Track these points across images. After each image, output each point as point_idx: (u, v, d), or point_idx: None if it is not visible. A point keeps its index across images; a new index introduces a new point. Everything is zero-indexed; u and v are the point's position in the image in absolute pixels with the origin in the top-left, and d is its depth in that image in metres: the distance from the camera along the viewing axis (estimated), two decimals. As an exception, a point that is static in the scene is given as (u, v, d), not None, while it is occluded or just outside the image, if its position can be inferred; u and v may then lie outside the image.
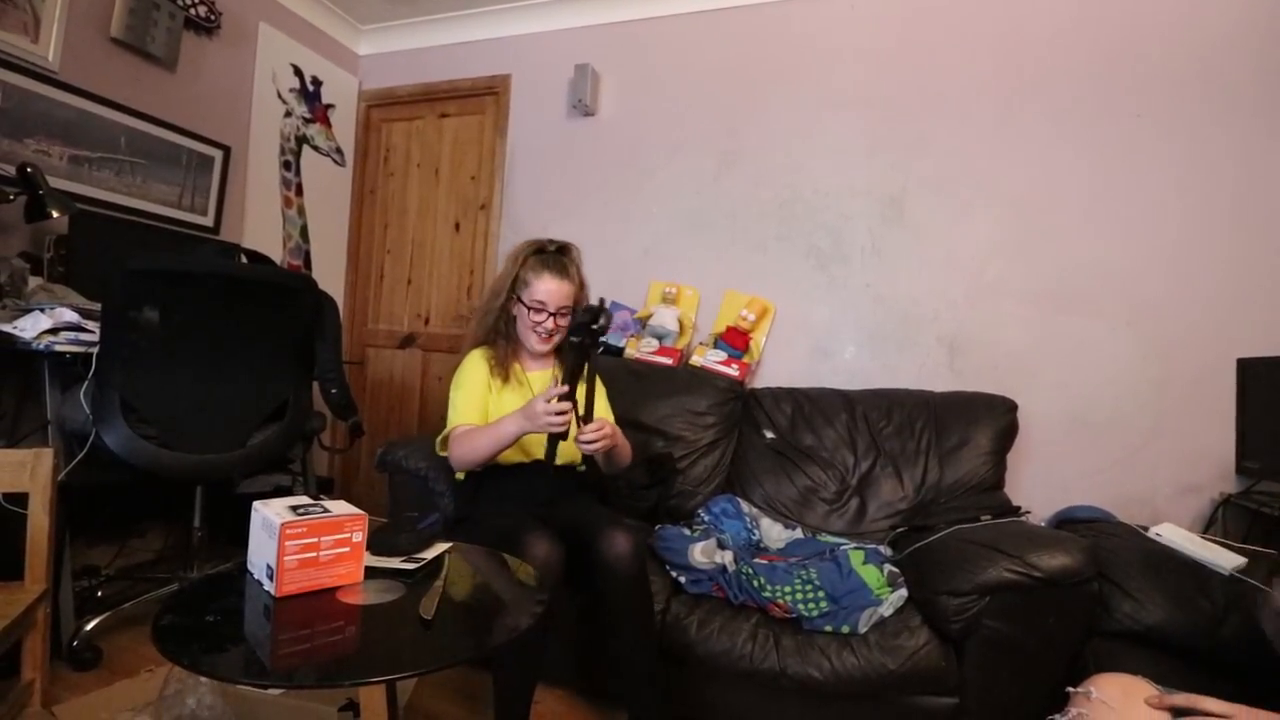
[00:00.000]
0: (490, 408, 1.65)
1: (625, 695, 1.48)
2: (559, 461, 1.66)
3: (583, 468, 1.75)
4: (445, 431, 1.61)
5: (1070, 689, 0.90)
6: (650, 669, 1.45)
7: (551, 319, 1.62)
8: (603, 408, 1.72)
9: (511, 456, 1.62)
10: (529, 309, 1.62)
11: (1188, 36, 2.07)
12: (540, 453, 1.64)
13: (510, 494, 1.62)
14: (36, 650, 1.33)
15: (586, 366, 1.44)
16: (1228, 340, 1.96)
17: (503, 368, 1.66)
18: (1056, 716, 0.88)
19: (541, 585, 1.15)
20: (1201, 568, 1.38)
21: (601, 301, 1.41)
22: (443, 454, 1.65)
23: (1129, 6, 2.13)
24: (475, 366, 1.66)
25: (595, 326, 1.36)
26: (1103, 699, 0.85)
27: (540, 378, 1.71)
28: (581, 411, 1.44)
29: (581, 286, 1.69)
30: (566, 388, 1.39)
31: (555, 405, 1.37)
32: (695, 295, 2.60)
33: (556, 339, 1.67)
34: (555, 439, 1.43)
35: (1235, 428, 1.89)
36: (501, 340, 1.68)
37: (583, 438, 1.45)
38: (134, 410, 1.65)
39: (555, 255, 1.66)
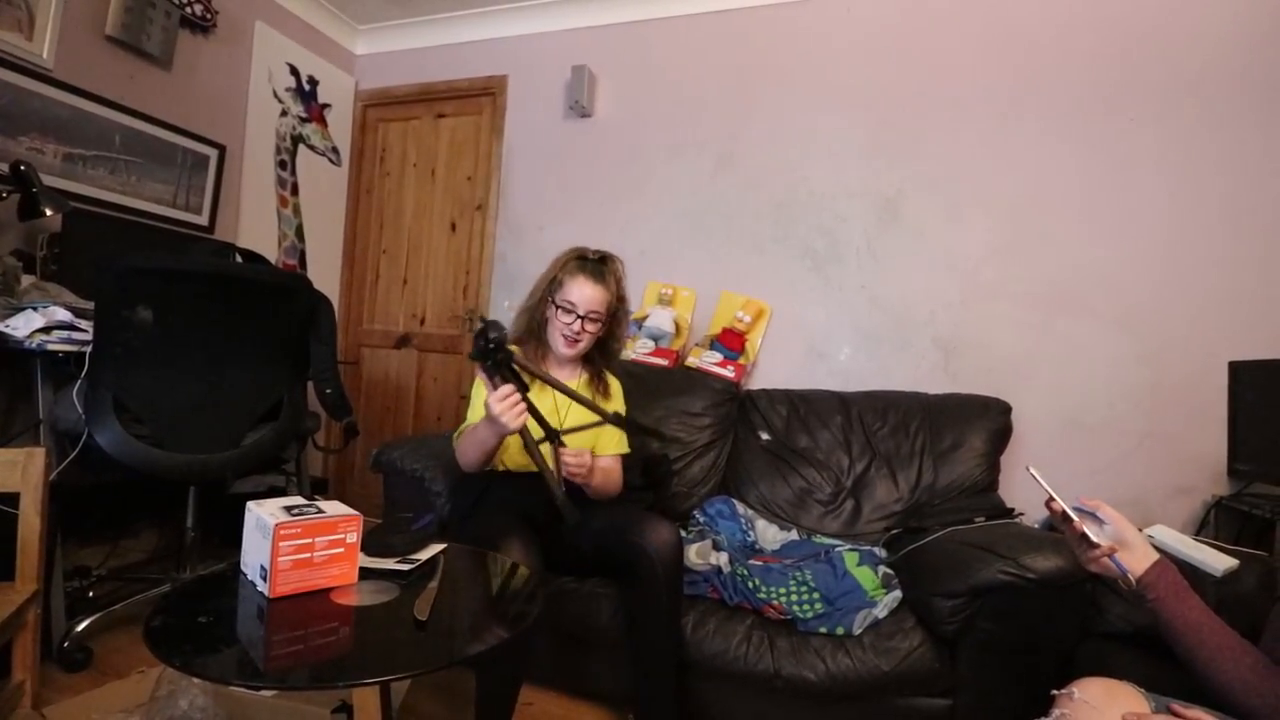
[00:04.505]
0: None
1: (637, 689, 1.46)
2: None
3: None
4: (460, 429, 1.61)
5: (1055, 691, 0.90)
6: (668, 659, 1.45)
7: (579, 322, 1.60)
8: (618, 405, 1.75)
9: (511, 461, 1.62)
10: (559, 309, 1.62)
11: (1181, 42, 2.08)
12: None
13: (512, 500, 1.60)
14: (27, 651, 1.32)
15: (525, 381, 1.37)
16: (1220, 343, 1.98)
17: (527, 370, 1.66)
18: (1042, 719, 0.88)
19: (536, 587, 1.14)
20: (1193, 569, 1.39)
21: (483, 318, 1.34)
22: None
23: (1123, 12, 2.14)
24: None
25: (486, 341, 1.28)
26: (1085, 699, 0.85)
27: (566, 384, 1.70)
28: (552, 426, 1.43)
29: (620, 298, 1.68)
30: (510, 387, 1.33)
31: (504, 399, 1.31)
32: (691, 296, 2.60)
33: (583, 345, 1.64)
34: (533, 443, 1.34)
35: (1227, 430, 1.90)
36: (533, 341, 1.68)
37: (565, 458, 1.45)
38: (127, 410, 1.64)
39: (595, 262, 1.65)
